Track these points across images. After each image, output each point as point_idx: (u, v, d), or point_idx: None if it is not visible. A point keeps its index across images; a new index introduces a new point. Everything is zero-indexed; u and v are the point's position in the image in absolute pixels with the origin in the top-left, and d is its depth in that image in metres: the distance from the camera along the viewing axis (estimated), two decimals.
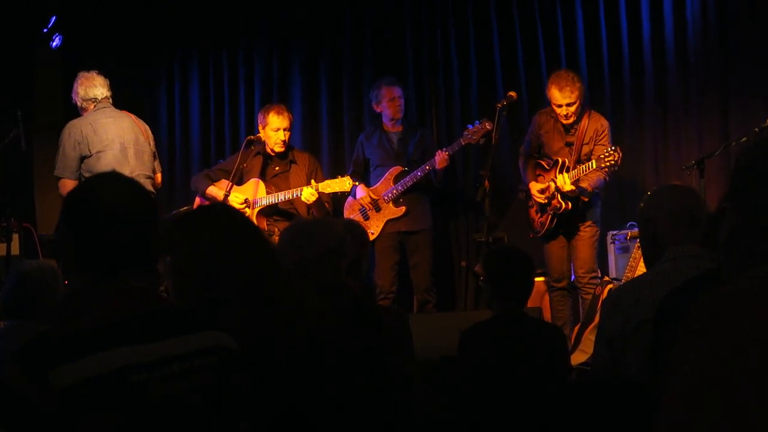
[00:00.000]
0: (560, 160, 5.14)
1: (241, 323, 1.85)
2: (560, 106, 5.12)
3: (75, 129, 4.99)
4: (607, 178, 5.16)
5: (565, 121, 5.20)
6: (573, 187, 5.03)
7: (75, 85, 5.15)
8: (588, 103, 5.48)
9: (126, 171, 4.78)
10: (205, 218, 2.10)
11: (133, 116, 5.23)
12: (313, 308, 2.11)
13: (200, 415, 1.55)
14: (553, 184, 5.13)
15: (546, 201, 5.19)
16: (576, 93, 5.08)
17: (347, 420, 2.20)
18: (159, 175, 5.35)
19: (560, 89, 5.09)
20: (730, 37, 5.82)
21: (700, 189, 4.66)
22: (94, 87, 5.09)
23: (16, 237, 5.19)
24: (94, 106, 5.09)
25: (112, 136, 4.98)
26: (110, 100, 5.15)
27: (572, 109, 5.13)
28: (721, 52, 5.85)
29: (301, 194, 5.24)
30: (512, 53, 6.35)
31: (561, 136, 5.26)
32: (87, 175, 4.88)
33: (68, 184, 4.91)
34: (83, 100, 5.11)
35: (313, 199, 5.22)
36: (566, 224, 5.23)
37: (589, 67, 6.13)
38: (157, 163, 5.32)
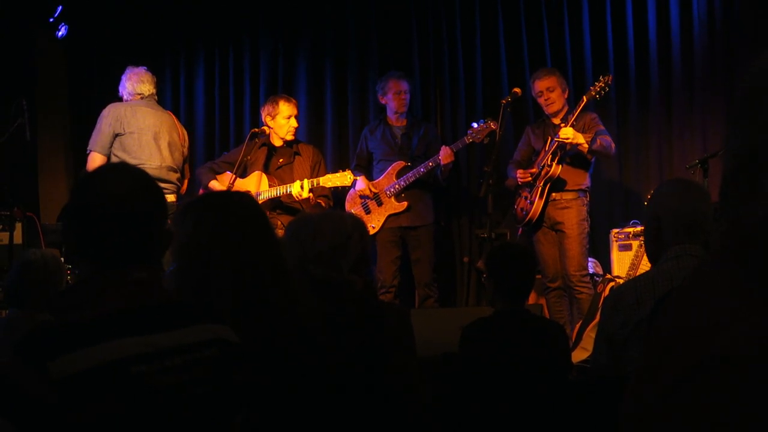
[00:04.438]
0: (549, 138, 5.17)
1: (233, 315, 1.84)
2: (541, 93, 5.28)
3: (115, 109, 5.17)
4: (612, 150, 5.16)
5: (547, 109, 5.29)
6: (572, 129, 5.03)
7: (123, 79, 5.30)
8: (593, 103, 5.49)
9: (156, 158, 5.09)
10: (198, 206, 2.10)
11: (175, 118, 5.42)
12: (309, 305, 2.10)
13: (199, 407, 1.55)
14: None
15: (532, 179, 5.21)
16: (554, 78, 5.26)
17: (347, 417, 2.20)
18: (186, 182, 5.45)
19: (539, 78, 5.30)
20: (735, 37, 5.81)
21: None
22: (141, 83, 5.26)
23: (19, 226, 5.21)
24: (140, 99, 5.26)
25: (148, 124, 5.15)
26: (156, 98, 5.32)
27: (553, 95, 5.24)
28: (726, 52, 5.85)
29: (291, 191, 5.23)
30: (518, 49, 6.35)
31: (551, 131, 5.26)
32: (119, 153, 5.08)
33: (96, 159, 5.09)
34: (130, 94, 5.26)
35: (304, 196, 5.20)
36: (554, 217, 5.22)
37: (595, 65, 6.12)
38: (186, 169, 5.42)
